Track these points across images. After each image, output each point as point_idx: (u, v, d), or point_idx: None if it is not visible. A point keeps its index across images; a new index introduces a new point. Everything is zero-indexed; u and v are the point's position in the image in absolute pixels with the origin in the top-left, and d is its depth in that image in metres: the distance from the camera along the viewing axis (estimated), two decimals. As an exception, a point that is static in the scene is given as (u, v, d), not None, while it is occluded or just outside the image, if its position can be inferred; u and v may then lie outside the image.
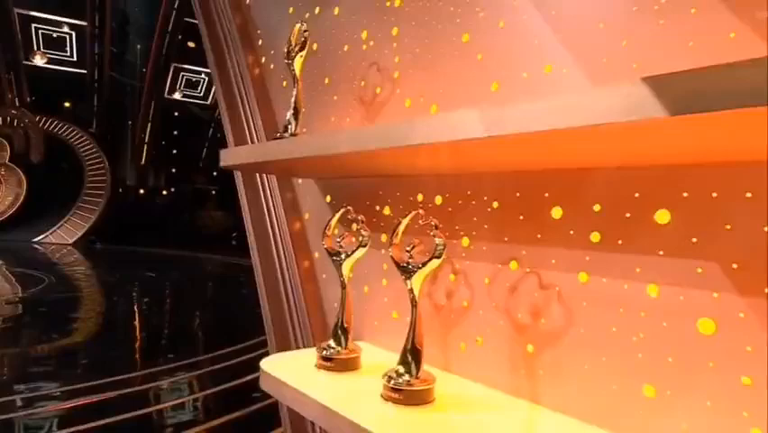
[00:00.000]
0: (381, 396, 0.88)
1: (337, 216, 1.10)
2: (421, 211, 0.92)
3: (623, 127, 0.51)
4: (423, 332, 0.91)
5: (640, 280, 0.74)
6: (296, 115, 1.25)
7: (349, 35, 1.35)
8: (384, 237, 1.22)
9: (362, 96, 1.30)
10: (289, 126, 1.24)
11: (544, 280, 0.87)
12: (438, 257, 0.86)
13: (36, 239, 15.51)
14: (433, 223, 0.88)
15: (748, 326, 0.62)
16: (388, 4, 1.23)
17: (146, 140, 18.89)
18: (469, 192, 1.02)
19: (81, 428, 3.41)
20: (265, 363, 1.06)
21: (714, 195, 0.66)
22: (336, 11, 1.40)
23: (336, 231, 1.14)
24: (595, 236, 0.80)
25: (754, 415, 0.61)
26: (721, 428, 0.64)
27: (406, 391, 0.85)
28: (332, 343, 1.03)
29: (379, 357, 1.10)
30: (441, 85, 1.09)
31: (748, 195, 0.63)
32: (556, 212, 0.86)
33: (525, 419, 0.83)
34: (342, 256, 1.06)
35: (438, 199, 1.09)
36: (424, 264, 0.87)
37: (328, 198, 1.41)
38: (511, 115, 0.60)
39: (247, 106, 1.75)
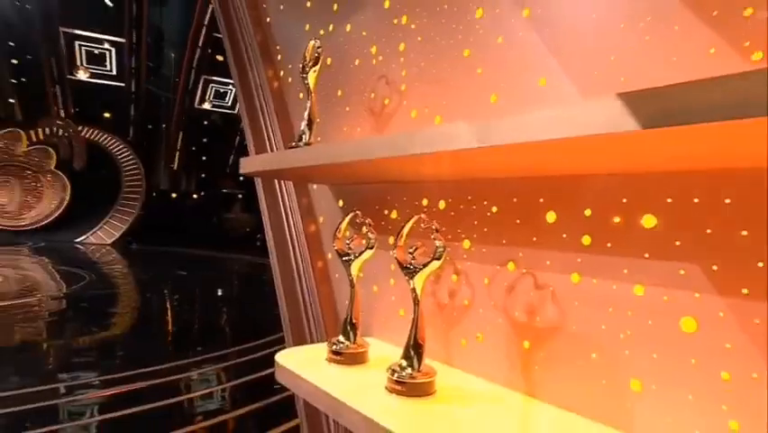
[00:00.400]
0: (386, 388, 0.89)
1: (347, 219, 1.12)
2: (423, 215, 0.93)
3: (601, 139, 0.52)
4: (425, 328, 0.93)
5: (627, 280, 0.74)
6: (310, 125, 1.27)
7: (360, 50, 1.37)
8: (391, 240, 1.23)
9: (372, 107, 1.32)
10: (304, 136, 1.26)
11: (539, 281, 0.88)
12: (438, 259, 0.87)
13: (78, 239, 15.84)
14: (434, 227, 0.89)
15: (727, 324, 0.63)
16: (395, 21, 1.24)
17: (178, 147, 19.19)
18: (470, 197, 1.03)
19: (118, 414, 3.49)
20: (280, 357, 1.08)
21: (696, 201, 0.66)
22: (348, 28, 1.42)
23: (347, 233, 1.15)
24: (586, 239, 0.80)
25: (733, 408, 0.61)
26: (702, 420, 0.64)
27: (409, 383, 0.86)
28: (341, 338, 1.05)
29: (385, 351, 1.12)
30: (444, 97, 1.10)
31: (727, 201, 0.63)
32: (550, 216, 0.86)
33: (521, 411, 0.84)
34: (351, 257, 1.08)
35: (442, 204, 1.10)
36: (425, 265, 0.88)
37: (341, 203, 1.43)
38: (500, 127, 0.61)
39: (267, 117, 1.78)
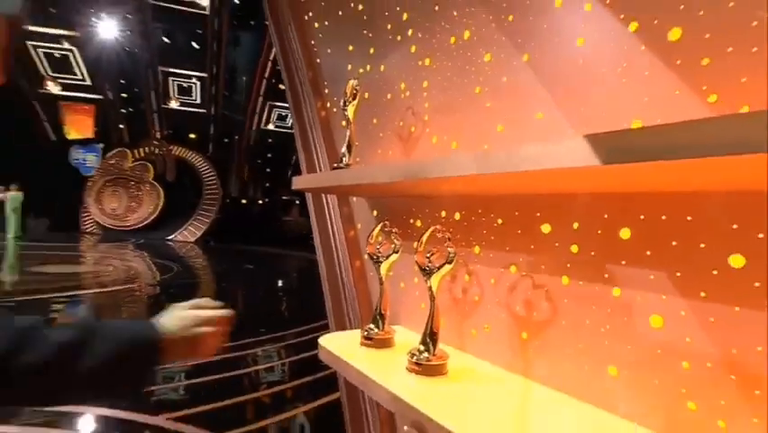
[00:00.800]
0: (406, 368, 0.94)
1: (377, 228, 1.18)
2: (439, 226, 0.98)
3: (572, 171, 0.55)
4: (440, 320, 0.97)
5: (607, 283, 0.76)
6: (349, 148, 1.33)
7: (391, 86, 1.42)
8: (415, 245, 1.28)
9: (401, 133, 1.37)
10: (344, 158, 1.32)
11: (536, 282, 0.90)
12: (450, 263, 0.91)
13: (169, 237, 16.61)
14: (447, 236, 0.93)
15: (688, 322, 0.64)
16: (420, 63, 1.29)
17: (247, 161, 19.83)
18: (480, 210, 1.06)
19: (197, 380, 3.68)
20: (322, 340, 1.14)
21: (663, 218, 0.68)
22: (382, 68, 1.47)
23: (379, 239, 1.21)
24: (574, 248, 0.82)
25: (690, 392, 0.62)
26: (665, 401, 0.66)
27: (425, 365, 0.91)
28: (372, 326, 1.10)
29: (409, 338, 1.16)
30: (459, 126, 1.13)
31: (689, 218, 0.64)
32: (545, 228, 0.88)
33: (519, 390, 0.87)
34: (381, 259, 1.13)
35: (457, 215, 1.13)
36: (439, 268, 0.92)
37: (375, 213, 1.49)
38: (495, 158, 0.65)
39: (315, 141, 1.86)
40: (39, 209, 14.81)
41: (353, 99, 1.33)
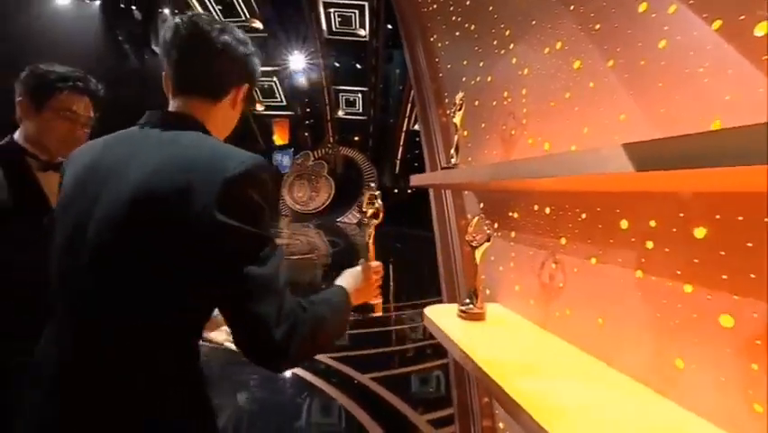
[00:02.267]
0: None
1: (475, 220, 1.21)
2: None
3: (615, 175, 0.53)
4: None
5: (679, 280, 0.68)
6: (457, 150, 1.38)
7: (496, 94, 1.41)
8: (513, 234, 1.27)
9: (503, 136, 1.35)
10: (452, 159, 1.38)
11: (613, 274, 0.85)
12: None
13: (338, 220, 18.54)
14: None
15: (759, 324, 0.55)
16: (519, 72, 1.26)
17: (398, 157, 20.74)
18: (567, 205, 1.02)
19: (355, 332, 4.13)
20: (427, 310, 1.23)
21: (740, 219, 0.59)
22: (489, 78, 1.47)
23: (477, 229, 1.24)
24: (649, 244, 0.75)
25: (757, 394, 0.54)
26: (731, 400, 0.58)
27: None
28: (467, 301, 1.15)
29: (500, 314, 1.18)
30: (552, 128, 1.09)
31: (766, 220, 0.55)
32: (623, 224, 0.82)
33: (596, 374, 0.83)
34: (476, 245, 1.17)
35: (547, 209, 1.10)
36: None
37: (481, 205, 1.50)
38: (553, 163, 0.65)
39: (437, 142, 1.93)
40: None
41: (460, 109, 1.37)
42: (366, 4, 10.04)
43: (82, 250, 0.56)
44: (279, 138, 17.62)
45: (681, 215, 0.69)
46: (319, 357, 3.53)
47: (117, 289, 0.55)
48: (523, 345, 0.93)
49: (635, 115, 0.80)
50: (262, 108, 16.63)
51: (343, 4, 10.34)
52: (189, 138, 0.59)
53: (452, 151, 1.38)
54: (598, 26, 0.89)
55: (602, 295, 0.87)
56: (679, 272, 0.68)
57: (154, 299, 0.55)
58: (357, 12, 10.62)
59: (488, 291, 1.40)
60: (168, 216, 0.53)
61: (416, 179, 1.45)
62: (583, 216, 0.95)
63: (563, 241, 1.02)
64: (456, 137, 1.38)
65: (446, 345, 1.04)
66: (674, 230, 0.70)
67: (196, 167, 0.54)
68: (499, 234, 1.35)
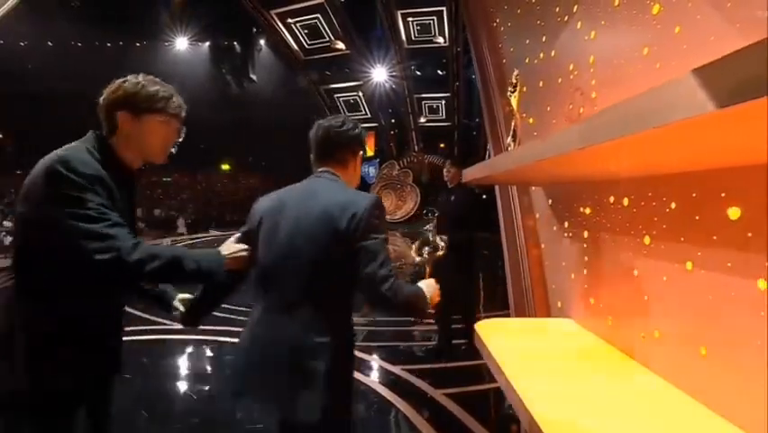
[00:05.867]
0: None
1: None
2: None
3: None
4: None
5: (830, 294, 0.43)
6: (514, 136, 1.19)
7: (561, 70, 1.19)
8: (586, 234, 1.03)
9: (570, 116, 1.12)
10: (509, 148, 1.19)
11: (718, 284, 0.60)
12: None
13: (425, 228, 18.43)
14: None
15: None
16: (586, 38, 1.03)
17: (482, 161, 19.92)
18: (650, 194, 0.78)
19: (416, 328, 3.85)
20: (480, 326, 1.05)
21: None
22: (553, 53, 1.25)
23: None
24: (775, 240, 0.50)
25: None
26: None
27: None
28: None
29: (573, 333, 0.95)
30: (627, 95, 0.85)
31: None
32: (733, 213, 0.58)
33: (691, 416, 0.59)
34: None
35: (625, 201, 0.86)
36: None
37: (550, 201, 1.27)
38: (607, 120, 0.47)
39: (502, 133, 1.73)
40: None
41: (514, 90, 1.18)
42: (444, 9, 9.90)
43: (291, 252, 0.94)
44: (365, 150, 18.24)
45: (828, 193, 0.44)
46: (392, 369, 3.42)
47: (313, 268, 0.93)
48: (597, 388, 0.70)
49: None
50: (349, 123, 17.40)
51: (421, 12, 10.34)
52: (339, 185, 1.01)
53: (509, 139, 1.19)
54: (680, -51, 0.66)
55: (704, 313, 0.62)
56: (827, 283, 0.44)
57: (330, 275, 0.93)
58: (435, 18, 10.53)
59: (559, 304, 1.16)
60: (337, 230, 0.91)
61: (467, 173, 1.29)
62: (672, 205, 0.71)
63: (647, 240, 0.78)
64: (513, 122, 1.19)
65: (500, 382, 0.83)
66: (816, 217, 0.45)
67: (348, 203, 0.93)
68: (570, 234, 1.12)
